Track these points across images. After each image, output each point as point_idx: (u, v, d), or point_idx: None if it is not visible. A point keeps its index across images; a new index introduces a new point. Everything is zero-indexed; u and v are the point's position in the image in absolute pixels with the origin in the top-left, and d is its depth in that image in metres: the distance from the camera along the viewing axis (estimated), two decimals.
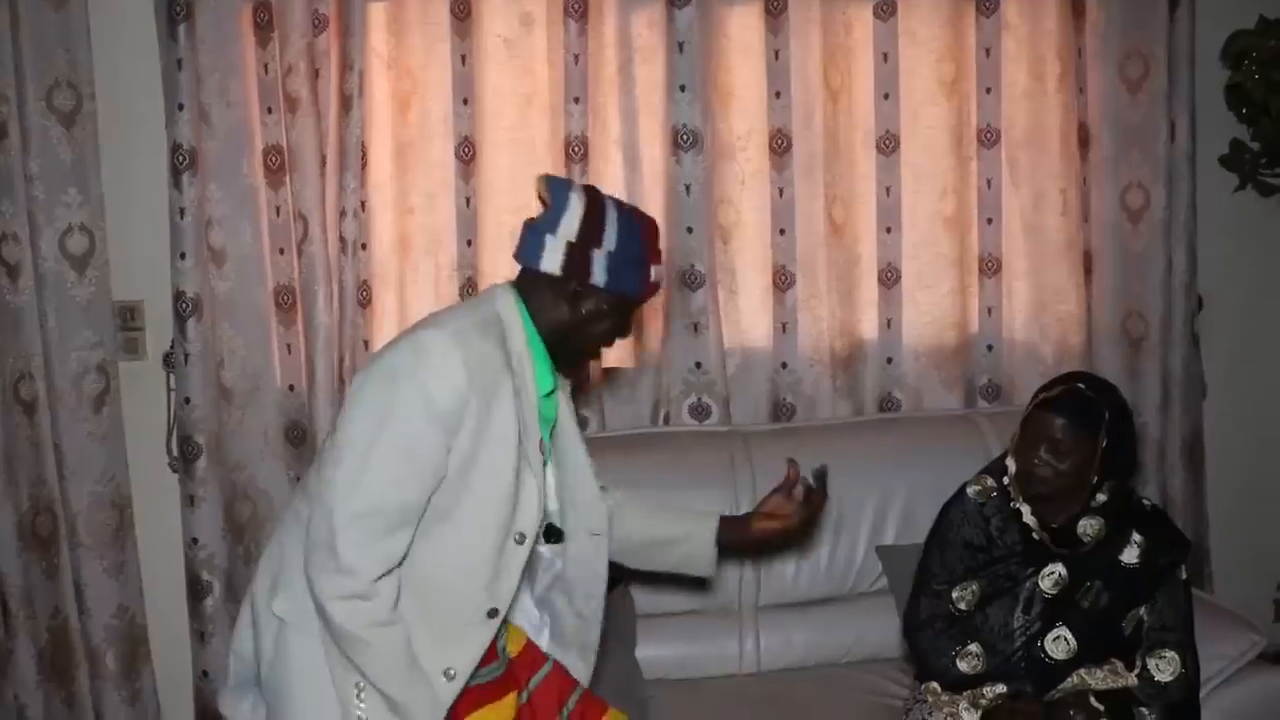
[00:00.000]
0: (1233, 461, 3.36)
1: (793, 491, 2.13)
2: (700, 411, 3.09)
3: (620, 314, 1.93)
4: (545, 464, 1.95)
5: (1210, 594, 3.27)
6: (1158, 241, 3.17)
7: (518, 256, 1.91)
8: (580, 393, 3.02)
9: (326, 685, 1.81)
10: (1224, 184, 3.30)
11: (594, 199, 1.89)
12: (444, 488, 1.80)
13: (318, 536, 1.76)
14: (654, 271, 1.92)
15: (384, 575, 1.77)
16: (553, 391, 1.97)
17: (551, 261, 1.85)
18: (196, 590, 2.94)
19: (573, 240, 1.85)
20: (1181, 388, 3.23)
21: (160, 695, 3.05)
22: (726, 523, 2.17)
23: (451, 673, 1.84)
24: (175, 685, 3.04)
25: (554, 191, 1.89)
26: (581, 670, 2.13)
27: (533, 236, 1.88)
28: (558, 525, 2.06)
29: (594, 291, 1.87)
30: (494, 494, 1.82)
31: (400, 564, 1.80)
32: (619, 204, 1.93)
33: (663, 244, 2.97)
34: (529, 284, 1.90)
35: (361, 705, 1.79)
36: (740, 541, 2.20)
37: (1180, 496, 3.26)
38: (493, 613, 1.87)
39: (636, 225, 1.91)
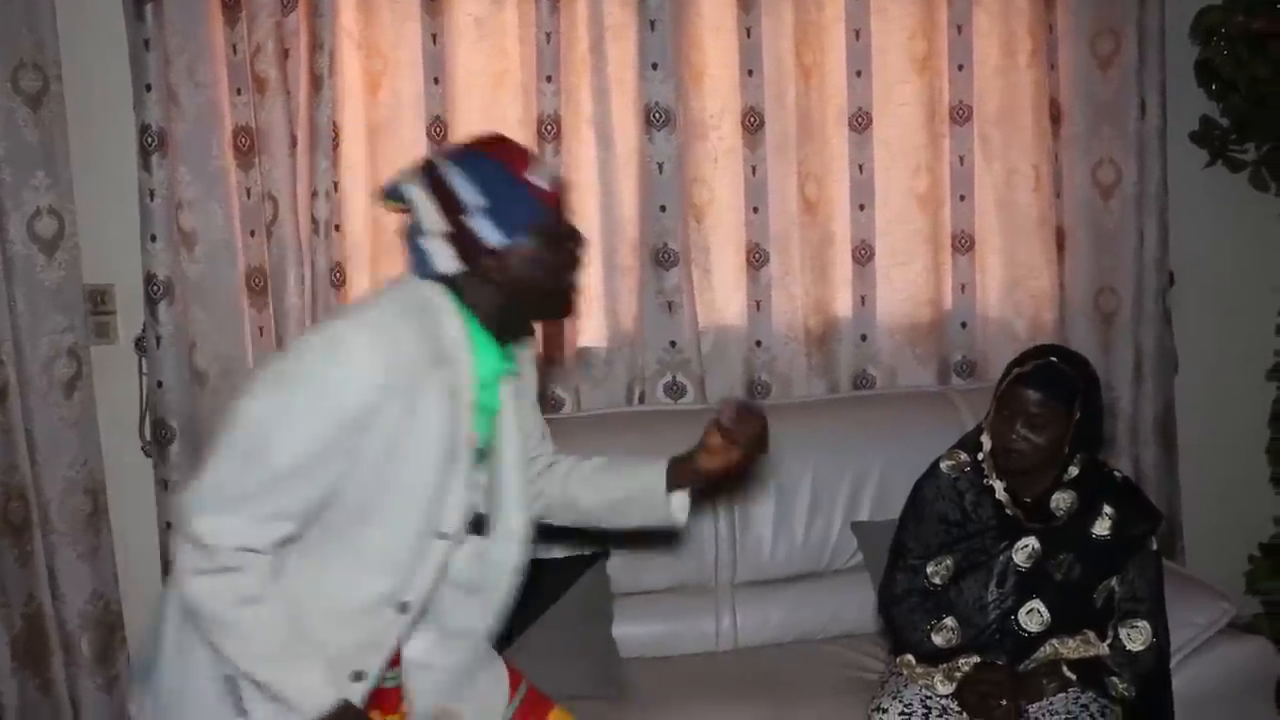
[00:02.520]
0: (1204, 435, 3.39)
1: (725, 421, 1.90)
2: (675, 391, 3.09)
3: (551, 243, 1.72)
4: (483, 458, 1.83)
5: (1182, 565, 3.30)
6: (1129, 217, 3.18)
7: (418, 273, 1.72)
8: (554, 368, 3.02)
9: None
10: (1194, 160, 3.32)
11: (428, 175, 1.69)
12: (358, 486, 1.64)
13: (179, 513, 1.63)
14: (536, 180, 1.69)
15: (248, 550, 1.61)
16: (501, 377, 1.82)
17: (446, 262, 1.69)
18: None
19: (445, 230, 1.67)
20: (1153, 362, 3.25)
21: None
22: (675, 469, 1.98)
23: (361, 674, 1.71)
24: None
25: (393, 198, 1.72)
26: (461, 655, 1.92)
27: (412, 250, 1.72)
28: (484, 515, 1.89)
29: (505, 251, 1.69)
30: (416, 493, 1.68)
31: (278, 547, 1.65)
32: (453, 155, 1.71)
33: (634, 222, 3.03)
34: (450, 283, 1.72)
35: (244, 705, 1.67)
36: (694, 481, 1.99)
37: (1152, 470, 3.28)
38: (403, 606, 1.73)
39: (481, 162, 1.68)
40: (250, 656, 1.64)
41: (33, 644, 2.89)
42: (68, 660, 2.92)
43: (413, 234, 1.71)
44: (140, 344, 2.93)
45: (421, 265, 1.71)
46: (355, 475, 1.64)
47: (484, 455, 1.84)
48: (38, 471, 2.85)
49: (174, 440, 2.88)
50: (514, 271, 1.70)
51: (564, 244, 1.75)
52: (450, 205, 1.67)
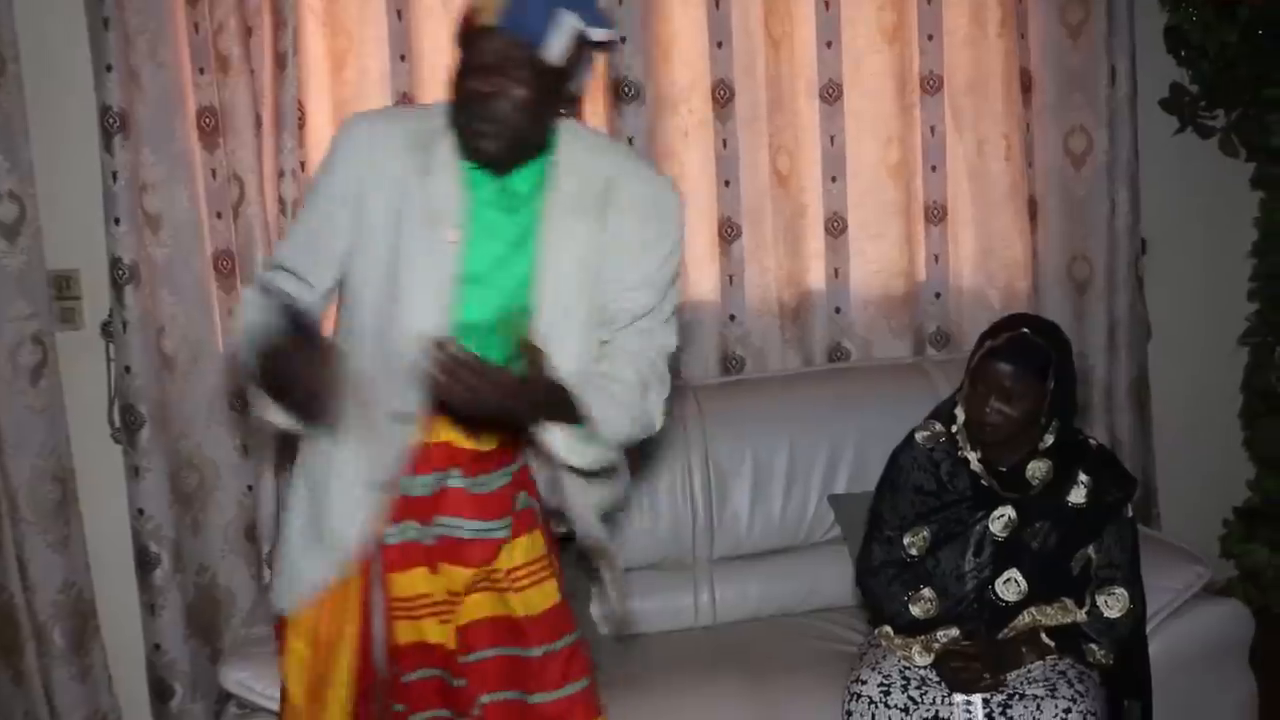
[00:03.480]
0: (1177, 401, 3.41)
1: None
2: None
3: (460, 67, 1.66)
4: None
5: (1158, 530, 3.32)
6: (1101, 185, 3.18)
7: None
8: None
9: None
10: (1165, 127, 3.32)
11: None
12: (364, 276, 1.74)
13: None
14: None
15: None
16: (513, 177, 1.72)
17: None
18: (145, 562, 2.89)
19: None
20: (1127, 330, 3.26)
21: (111, 670, 3.01)
22: None
23: (374, 482, 1.74)
24: (127, 659, 2.99)
25: None
26: None
27: None
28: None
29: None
30: (371, 287, 1.72)
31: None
32: None
33: None
34: None
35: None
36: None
37: (1128, 436, 3.29)
38: (401, 417, 1.72)
39: None
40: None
41: (4, 635, 2.87)
42: (40, 651, 2.90)
43: None
44: (107, 329, 2.90)
45: None
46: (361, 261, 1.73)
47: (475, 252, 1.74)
48: (5, 460, 2.83)
49: (144, 426, 2.85)
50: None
51: (464, 76, 1.65)
52: None
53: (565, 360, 1.68)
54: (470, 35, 1.64)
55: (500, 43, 1.61)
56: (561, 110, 1.71)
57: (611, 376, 1.76)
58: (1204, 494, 3.43)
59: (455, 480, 1.80)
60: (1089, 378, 3.25)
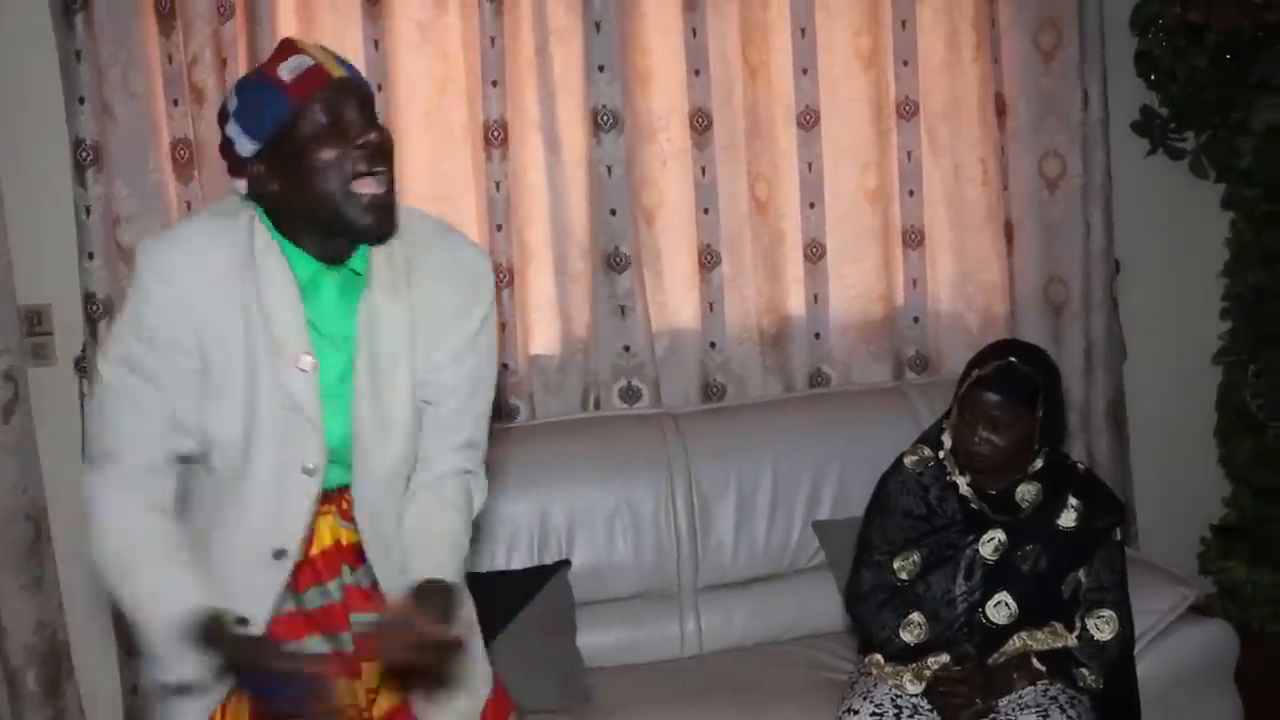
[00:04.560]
0: (1153, 420, 3.43)
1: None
2: (630, 395, 3.06)
3: (305, 139, 1.50)
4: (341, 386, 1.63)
5: (1136, 550, 3.33)
6: (1075, 208, 3.21)
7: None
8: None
9: None
10: (1136, 149, 3.35)
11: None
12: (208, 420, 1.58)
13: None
14: (283, 72, 1.51)
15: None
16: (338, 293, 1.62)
17: (231, 177, 1.59)
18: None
19: (220, 143, 1.58)
20: (1103, 350, 3.28)
21: (86, 712, 2.94)
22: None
23: (246, 621, 1.60)
24: (102, 702, 2.93)
25: None
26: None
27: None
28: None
29: (259, 159, 1.53)
30: (228, 424, 1.57)
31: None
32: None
33: (584, 226, 2.99)
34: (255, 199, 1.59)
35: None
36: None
37: (1105, 458, 3.31)
38: (279, 554, 1.62)
39: (250, 73, 1.62)
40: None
41: None
42: (13, 694, 2.83)
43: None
44: (80, 365, 2.85)
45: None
46: (193, 406, 1.57)
47: (343, 383, 1.64)
48: None
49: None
50: (271, 188, 1.54)
51: (310, 143, 1.50)
52: (221, 113, 1.58)
53: (389, 452, 1.65)
54: (325, 93, 1.52)
55: (359, 87, 1.56)
56: None
57: (444, 533, 1.70)
58: (1181, 512, 3.45)
59: (350, 579, 1.72)
60: (1067, 399, 3.27)
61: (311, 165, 1.50)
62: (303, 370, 1.58)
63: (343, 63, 1.57)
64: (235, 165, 1.57)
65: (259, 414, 1.58)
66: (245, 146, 1.54)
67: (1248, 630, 3.24)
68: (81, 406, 2.86)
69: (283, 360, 1.58)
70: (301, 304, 1.59)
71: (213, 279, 1.56)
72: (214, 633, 1.52)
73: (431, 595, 1.56)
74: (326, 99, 1.51)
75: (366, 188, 1.52)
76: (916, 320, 3.23)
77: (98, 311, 2.75)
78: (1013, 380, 2.25)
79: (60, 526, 2.90)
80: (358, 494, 1.67)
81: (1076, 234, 3.22)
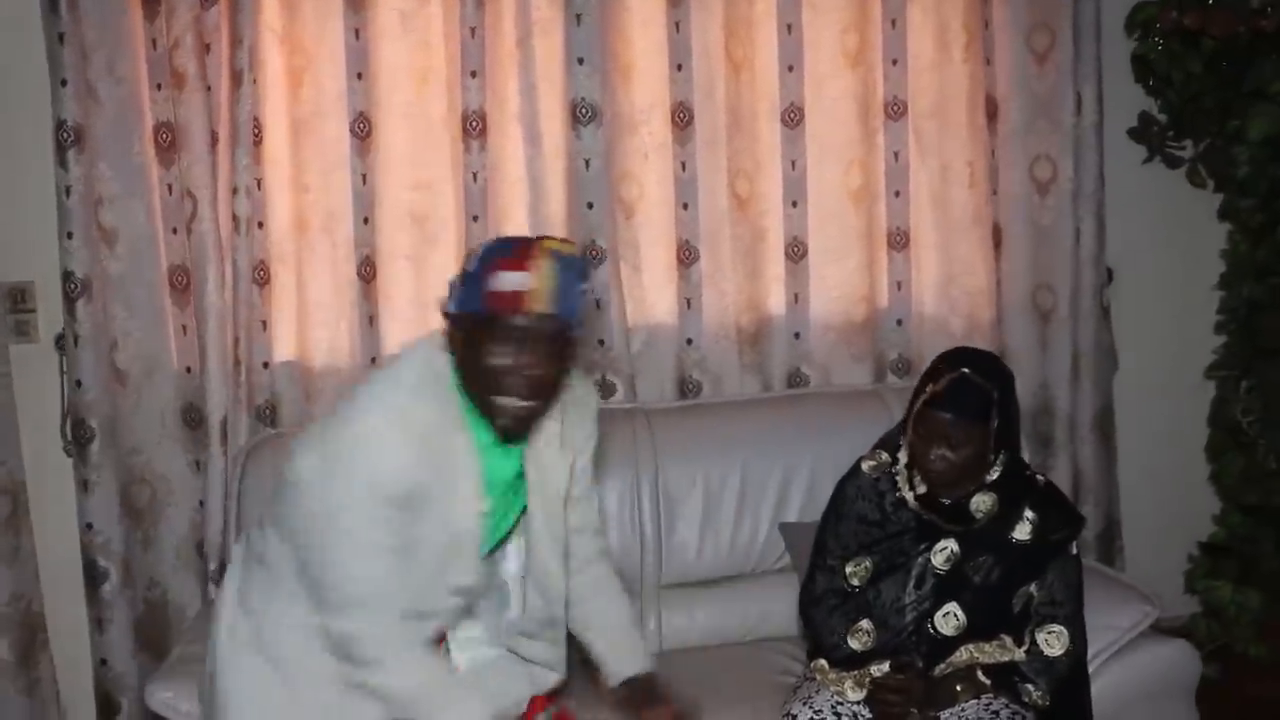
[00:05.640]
0: (1143, 434, 3.37)
1: None
2: (605, 390, 3.06)
3: (484, 340, 1.71)
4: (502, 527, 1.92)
5: (1121, 565, 3.28)
6: (1066, 214, 3.16)
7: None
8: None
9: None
10: (1133, 156, 3.29)
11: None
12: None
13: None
14: (499, 279, 1.69)
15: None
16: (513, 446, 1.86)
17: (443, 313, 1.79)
18: (93, 576, 2.89)
19: (450, 279, 1.80)
20: (1091, 360, 3.23)
21: (60, 684, 3.00)
22: (632, 690, 2.06)
23: None
24: (75, 674, 2.99)
25: None
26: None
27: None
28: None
29: (454, 322, 1.75)
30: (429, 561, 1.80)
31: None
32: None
33: (562, 219, 2.99)
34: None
35: None
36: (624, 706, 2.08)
37: (1091, 469, 3.26)
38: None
39: (498, 242, 1.80)
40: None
41: None
42: None
43: None
44: (60, 342, 2.90)
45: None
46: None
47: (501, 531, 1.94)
48: None
49: (93, 440, 2.85)
50: (455, 341, 1.76)
51: (485, 346, 1.71)
52: (463, 263, 1.78)
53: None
54: (518, 320, 1.70)
55: (552, 324, 1.71)
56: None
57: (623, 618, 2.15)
58: (1169, 528, 3.39)
59: None
60: (1052, 408, 3.22)
61: (480, 360, 1.72)
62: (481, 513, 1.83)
63: (561, 293, 1.71)
64: (444, 312, 1.77)
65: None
66: (449, 305, 1.76)
67: (1230, 652, 3.19)
68: (62, 383, 2.91)
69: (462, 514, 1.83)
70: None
71: (421, 460, 1.75)
72: None
73: (648, 688, 2.03)
74: (515, 326, 1.70)
75: (512, 402, 1.74)
76: (900, 323, 3.20)
77: (76, 290, 2.80)
78: (966, 395, 2.21)
79: (39, 500, 2.95)
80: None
81: (1066, 240, 3.16)
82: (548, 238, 1.79)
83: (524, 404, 1.74)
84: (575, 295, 1.72)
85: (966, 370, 2.24)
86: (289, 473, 1.80)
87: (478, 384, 1.74)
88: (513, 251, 1.72)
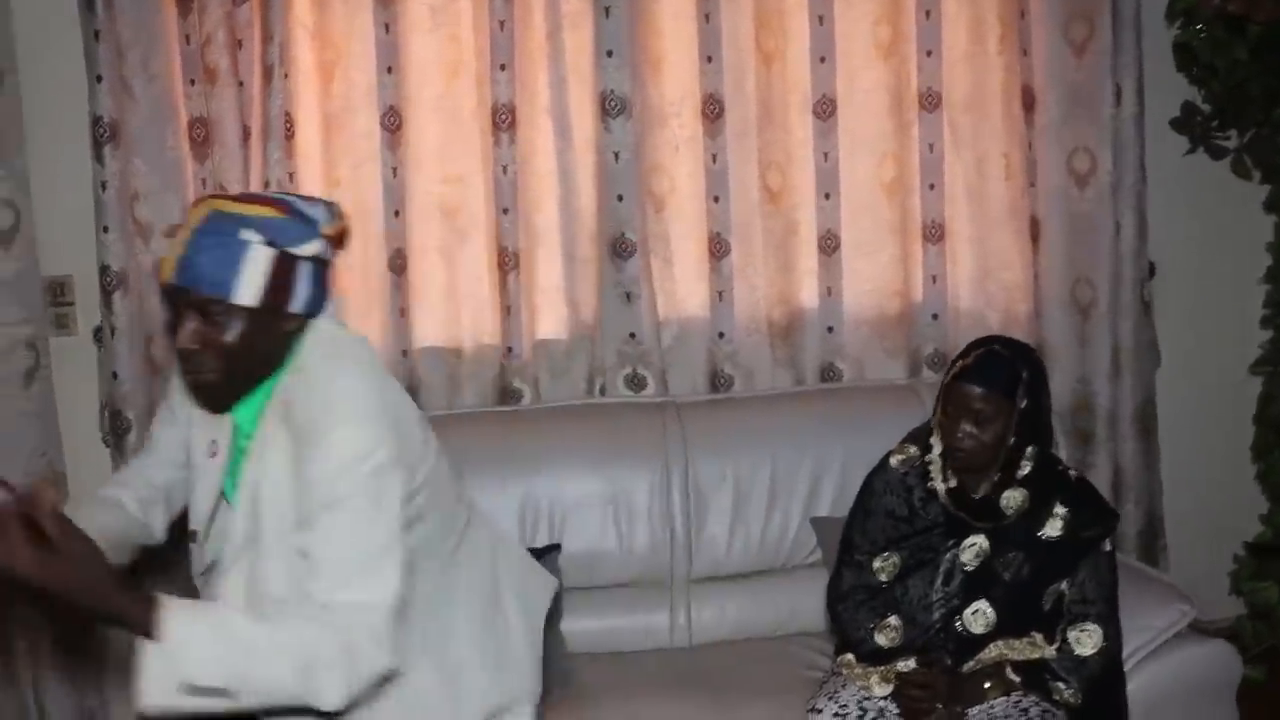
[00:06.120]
0: (1187, 431, 3.30)
1: None
2: (636, 383, 3.05)
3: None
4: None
5: (1165, 565, 3.21)
6: (1105, 207, 3.10)
7: None
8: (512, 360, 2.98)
9: None
10: (1175, 147, 3.22)
11: None
12: None
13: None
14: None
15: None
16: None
17: None
18: (131, 566, 2.92)
19: None
20: (1131, 356, 3.16)
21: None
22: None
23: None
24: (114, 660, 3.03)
25: None
26: None
27: None
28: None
29: None
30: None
31: None
32: None
33: (592, 212, 2.99)
34: None
35: None
36: None
37: (1132, 467, 3.19)
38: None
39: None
40: None
41: None
42: (33, 653, 2.93)
43: None
44: (98, 335, 2.94)
45: None
46: None
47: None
48: None
49: (130, 431, 2.88)
50: None
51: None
52: None
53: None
54: (165, 292, 1.65)
55: (193, 299, 1.60)
56: (290, 326, 1.68)
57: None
58: (1213, 528, 3.31)
59: None
60: (1091, 405, 3.16)
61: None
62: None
63: (184, 261, 1.60)
64: None
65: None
66: None
67: (1277, 654, 3.11)
68: (100, 375, 2.95)
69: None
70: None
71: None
72: None
73: None
74: (164, 295, 1.67)
75: (188, 376, 1.67)
76: (935, 317, 3.16)
77: (112, 284, 2.83)
78: (994, 369, 2.19)
79: (79, 491, 2.99)
80: None
81: (1106, 234, 3.10)
82: (218, 196, 1.74)
83: (190, 380, 1.67)
84: (215, 263, 1.58)
85: (997, 346, 2.24)
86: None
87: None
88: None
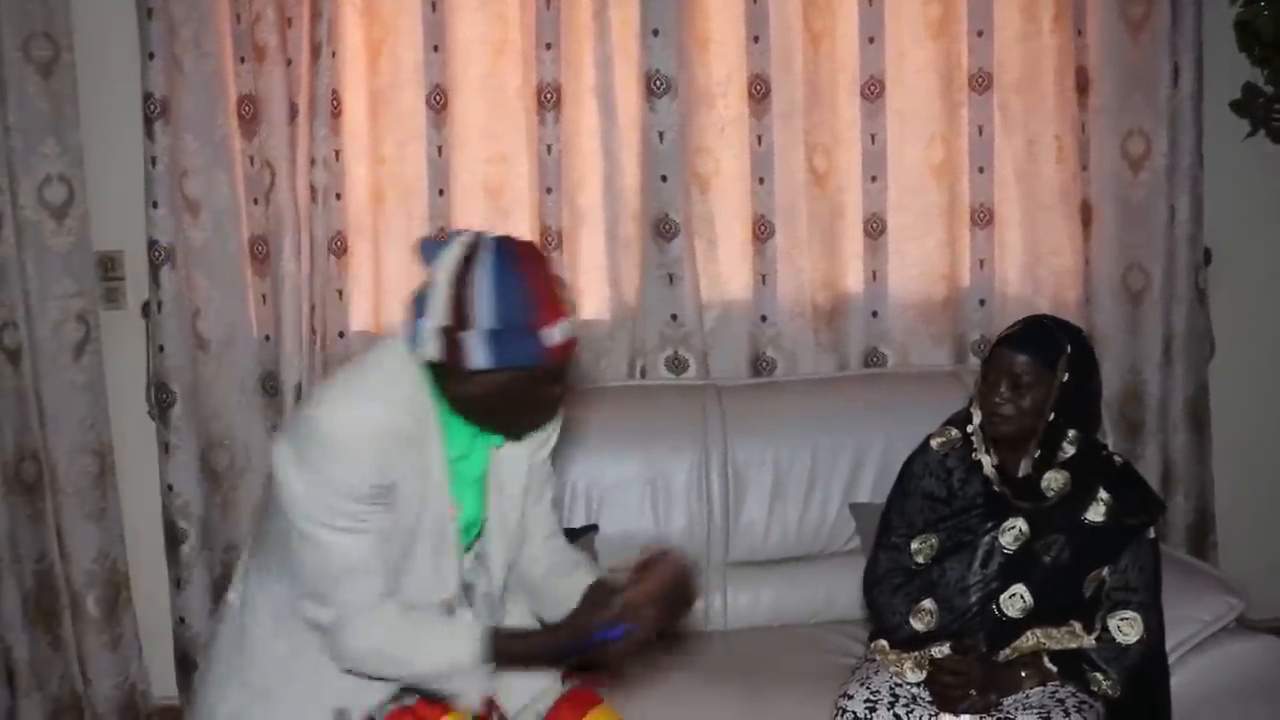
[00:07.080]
0: (1241, 423, 3.22)
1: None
2: (677, 365, 3.04)
3: (534, 384, 1.66)
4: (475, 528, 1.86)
5: (1215, 562, 3.14)
6: (1160, 191, 3.03)
7: (408, 343, 1.69)
8: None
9: None
10: (1235, 130, 3.14)
11: (463, 266, 1.61)
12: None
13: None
14: (551, 333, 1.61)
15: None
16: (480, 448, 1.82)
17: (433, 349, 1.63)
18: (173, 537, 2.98)
19: (444, 324, 1.61)
20: (1184, 344, 3.09)
21: (142, 641, 3.10)
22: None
23: (347, 713, 1.78)
24: (156, 631, 3.08)
25: (424, 261, 1.66)
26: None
27: (410, 319, 1.66)
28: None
29: (485, 373, 1.63)
30: (410, 562, 1.75)
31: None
32: (498, 258, 1.61)
33: (636, 192, 2.97)
34: (431, 365, 1.69)
35: None
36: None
37: (1182, 458, 3.13)
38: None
39: (513, 286, 1.60)
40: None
41: (43, 601, 2.97)
42: (75, 617, 3.00)
43: (418, 305, 1.65)
44: (146, 310, 2.98)
45: (412, 338, 1.66)
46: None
47: (476, 525, 1.87)
48: (46, 433, 2.93)
49: (175, 404, 2.93)
50: (479, 387, 1.65)
51: (535, 394, 1.69)
52: (460, 310, 1.60)
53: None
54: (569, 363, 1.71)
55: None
56: None
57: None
58: (1268, 523, 3.23)
59: None
60: (1141, 394, 3.10)
61: (526, 400, 1.69)
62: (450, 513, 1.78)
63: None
64: (452, 355, 1.62)
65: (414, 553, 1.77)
66: (478, 361, 1.62)
67: None
68: (147, 349, 2.99)
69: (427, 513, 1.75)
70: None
71: (399, 445, 1.68)
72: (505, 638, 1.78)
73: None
74: (567, 368, 1.71)
75: (542, 423, 1.81)
76: (982, 303, 3.11)
77: (160, 259, 2.88)
78: (1037, 338, 2.17)
79: (125, 462, 3.05)
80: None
81: (1160, 219, 3.04)
82: (528, 254, 1.67)
83: (550, 423, 1.84)
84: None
85: (1045, 320, 2.24)
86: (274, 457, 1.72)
87: (501, 417, 1.72)
88: (539, 301, 1.62)
